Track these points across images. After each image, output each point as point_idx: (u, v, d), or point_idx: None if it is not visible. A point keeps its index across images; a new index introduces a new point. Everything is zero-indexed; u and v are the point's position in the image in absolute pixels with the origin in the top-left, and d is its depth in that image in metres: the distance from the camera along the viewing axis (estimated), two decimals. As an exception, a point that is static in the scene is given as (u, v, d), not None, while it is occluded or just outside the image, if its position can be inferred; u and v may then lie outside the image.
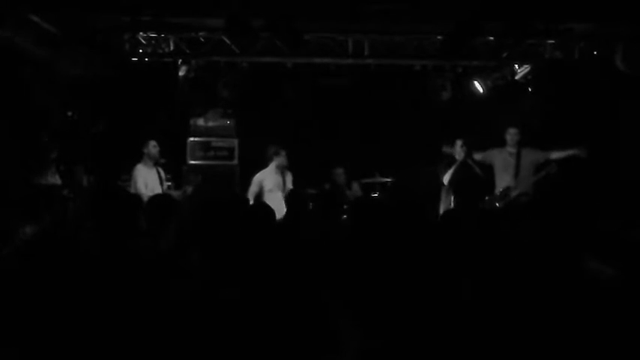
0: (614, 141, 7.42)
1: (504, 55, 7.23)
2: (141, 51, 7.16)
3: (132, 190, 6.30)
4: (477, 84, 7.89)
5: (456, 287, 2.71)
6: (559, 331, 2.43)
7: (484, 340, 2.43)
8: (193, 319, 2.44)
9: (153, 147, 6.61)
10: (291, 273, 2.79)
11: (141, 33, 7.02)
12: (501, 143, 6.95)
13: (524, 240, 3.27)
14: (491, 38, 6.98)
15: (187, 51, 7.28)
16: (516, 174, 6.71)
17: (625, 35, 6.66)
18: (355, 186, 7.77)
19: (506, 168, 6.78)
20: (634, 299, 2.54)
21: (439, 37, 7.01)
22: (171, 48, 7.22)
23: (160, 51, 7.22)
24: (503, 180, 6.80)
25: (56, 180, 6.06)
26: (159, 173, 6.58)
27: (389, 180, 7.74)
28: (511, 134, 6.84)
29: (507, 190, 6.67)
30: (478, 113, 7.99)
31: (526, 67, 7.60)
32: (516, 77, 7.78)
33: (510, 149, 6.84)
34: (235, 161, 8.16)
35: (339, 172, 7.69)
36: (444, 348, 2.43)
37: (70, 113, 6.99)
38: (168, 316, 2.47)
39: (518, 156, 6.76)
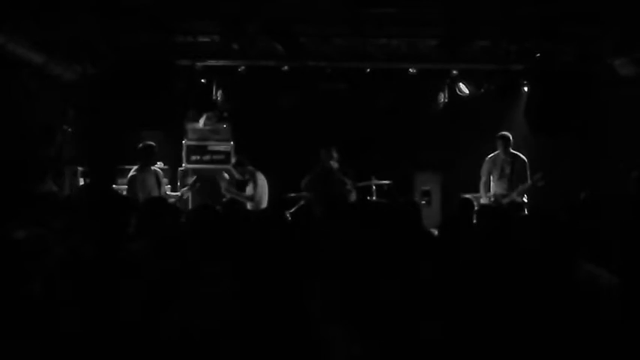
0: (610, 142, 7.44)
1: (501, 58, 7.24)
2: (138, 53, 7.14)
3: (129, 194, 6.29)
4: (462, 85, 7.87)
5: (450, 291, 2.70)
6: (556, 335, 2.43)
7: (480, 342, 2.43)
8: (188, 321, 2.43)
9: (155, 150, 6.55)
10: (280, 275, 2.78)
11: (138, 35, 7.01)
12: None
13: (521, 244, 3.26)
14: (486, 42, 6.99)
15: (184, 54, 7.28)
16: (511, 180, 6.70)
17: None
18: (350, 189, 7.73)
19: (502, 175, 6.77)
20: (631, 303, 2.54)
21: (435, 41, 7.01)
22: (168, 51, 7.20)
23: (157, 54, 7.20)
24: (498, 187, 6.79)
25: (53, 187, 6.01)
26: (156, 176, 6.53)
27: (385, 183, 7.71)
28: (498, 139, 6.84)
29: (500, 197, 6.67)
30: (475, 116, 8.01)
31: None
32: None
33: (503, 155, 6.82)
34: (230, 165, 8.15)
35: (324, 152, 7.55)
36: (439, 351, 2.43)
37: (65, 116, 6.96)
38: (161, 318, 2.46)
39: (512, 163, 6.74)
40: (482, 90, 7.87)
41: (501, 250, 3.14)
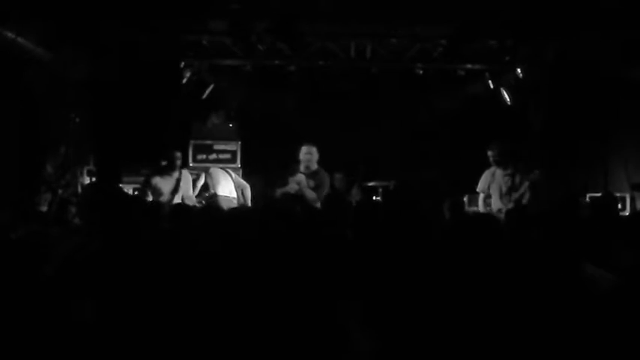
0: (614, 143, 7.41)
1: (507, 58, 7.21)
2: (144, 53, 7.16)
3: (140, 195, 6.33)
4: (504, 92, 7.75)
5: (459, 290, 2.70)
6: (558, 337, 2.42)
7: (487, 342, 2.43)
8: (202, 318, 2.44)
9: (177, 159, 6.53)
10: (301, 275, 2.78)
11: (144, 35, 7.03)
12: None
13: (524, 245, 3.25)
14: (493, 42, 6.97)
15: (190, 54, 7.30)
16: (509, 195, 6.28)
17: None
18: (355, 191, 7.74)
19: (502, 191, 6.34)
20: (633, 306, 2.52)
21: (441, 41, 7.00)
22: (175, 51, 7.23)
23: (163, 53, 7.22)
24: (497, 205, 6.37)
25: (43, 207, 5.99)
26: (177, 182, 6.48)
27: (390, 183, 7.71)
28: (490, 155, 6.39)
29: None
30: (481, 116, 7.99)
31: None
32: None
33: (502, 170, 6.37)
34: (238, 164, 8.17)
35: (339, 178, 7.66)
36: (447, 349, 2.43)
37: (72, 115, 7.00)
38: (173, 316, 2.46)
39: (513, 177, 6.31)
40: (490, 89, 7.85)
41: (503, 250, 3.12)
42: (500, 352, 2.40)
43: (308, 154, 6.36)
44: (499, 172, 6.41)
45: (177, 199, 6.35)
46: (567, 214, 3.86)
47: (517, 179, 6.31)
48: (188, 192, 6.58)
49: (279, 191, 6.30)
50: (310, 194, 6.18)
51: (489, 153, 6.39)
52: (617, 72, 6.90)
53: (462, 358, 2.40)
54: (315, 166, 6.39)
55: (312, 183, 6.28)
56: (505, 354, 2.39)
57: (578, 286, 2.63)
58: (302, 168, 6.33)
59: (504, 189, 6.33)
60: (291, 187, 6.26)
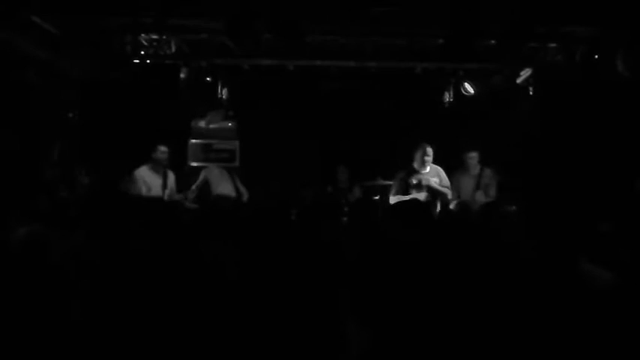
0: (614, 144, 7.41)
1: (505, 58, 7.21)
2: (142, 53, 7.16)
3: (131, 190, 6.36)
4: (467, 85, 7.87)
5: (458, 288, 2.71)
6: (556, 335, 2.43)
7: (486, 342, 2.44)
8: (200, 318, 2.45)
9: (162, 153, 6.64)
10: (300, 274, 2.79)
11: (143, 35, 7.03)
12: (498, 148, 6.94)
13: (522, 244, 3.26)
14: (493, 41, 6.96)
15: (189, 53, 7.29)
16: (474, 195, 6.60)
17: (626, 38, 6.63)
18: (357, 190, 7.75)
19: (467, 190, 6.70)
20: (630, 303, 2.53)
21: (440, 40, 7.00)
22: (173, 50, 7.23)
23: (162, 53, 7.22)
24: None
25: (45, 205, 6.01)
26: (165, 178, 6.58)
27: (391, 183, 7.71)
28: (471, 158, 6.83)
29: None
30: (480, 116, 8.00)
31: (527, 71, 7.59)
32: (518, 81, 7.76)
33: (473, 172, 6.80)
34: (236, 163, 8.18)
35: (342, 170, 7.71)
36: (446, 348, 2.43)
37: (71, 115, 7.00)
38: (171, 316, 2.47)
39: (479, 176, 6.71)
40: (488, 89, 7.86)
41: (503, 250, 3.13)
42: (500, 351, 2.41)
43: (427, 156, 6.58)
44: (470, 173, 6.80)
45: (166, 195, 6.42)
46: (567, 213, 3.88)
47: (482, 180, 6.68)
48: (173, 188, 6.69)
49: (396, 198, 6.41)
50: (445, 191, 6.47)
51: (470, 155, 6.81)
52: (617, 72, 6.89)
53: (459, 356, 2.41)
54: (432, 165, 6.63)
55: (437, 180, 6.55)
56: (504, 353, 2.40)
57: (576, 283, 2.64)
58: (423, 169, 6.58)
59: (472, 188, 6.67)
60: (420, 195, 6.33)
